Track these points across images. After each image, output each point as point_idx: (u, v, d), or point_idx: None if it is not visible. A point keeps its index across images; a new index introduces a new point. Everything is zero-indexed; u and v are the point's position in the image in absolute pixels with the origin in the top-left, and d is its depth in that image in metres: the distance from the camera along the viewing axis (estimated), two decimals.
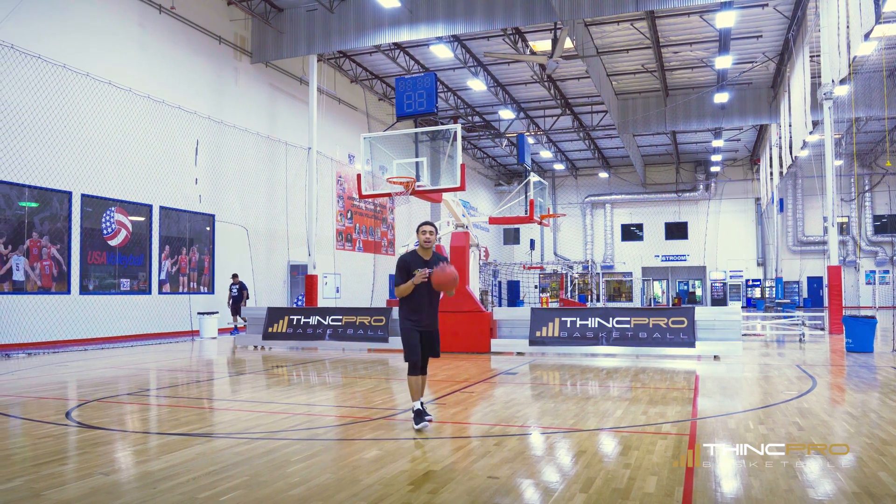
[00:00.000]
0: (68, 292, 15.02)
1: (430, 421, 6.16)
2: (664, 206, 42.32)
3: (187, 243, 18.65)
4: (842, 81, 17.83)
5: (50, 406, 7.42)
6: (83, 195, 15.42)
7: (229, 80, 20.42)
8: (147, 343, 16.04)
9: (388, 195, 14.98)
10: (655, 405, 7.13)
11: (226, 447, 5.32)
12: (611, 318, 12.26)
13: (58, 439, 5.72)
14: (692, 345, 11.59)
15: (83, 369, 10.89)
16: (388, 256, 29.07)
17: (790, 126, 22.71)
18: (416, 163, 12.90)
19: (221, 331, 18.73)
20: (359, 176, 13.72)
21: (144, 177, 17.05)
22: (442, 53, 22.29)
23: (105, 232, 16.06)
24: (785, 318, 20.41)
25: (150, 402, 8.08)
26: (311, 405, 7.51)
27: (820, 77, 17.82)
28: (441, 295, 6.28)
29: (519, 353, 12.66)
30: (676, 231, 42.51)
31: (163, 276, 17.77)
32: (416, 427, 5.97)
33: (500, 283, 40.28)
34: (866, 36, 13.11)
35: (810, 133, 21.46)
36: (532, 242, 43.35)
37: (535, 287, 36.51)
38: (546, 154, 37.18)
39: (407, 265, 6.05)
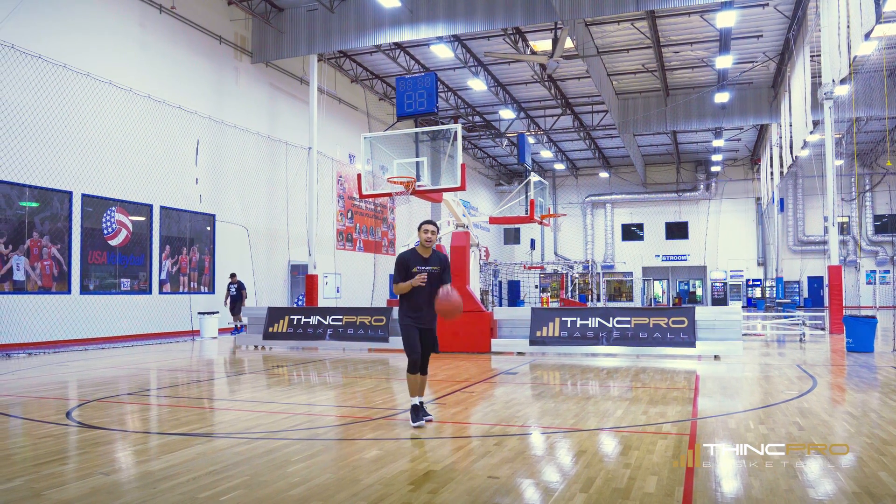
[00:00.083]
0: (69, 292, 15.02)
1: (429, 421, 6.18)
2: (665, 205, 42.30)
3: (188, 243, 18.65)
4: (842, 81, 17.83)
5: (50, 406, 7.43)
6: (84, 195, 15.43)
7: (230, 79, 20.42)
8: (147, 343, 16.05)
9: (389, 195, 14.98)
10: (656, 405, 7.13)
11: (226, 447, 5.33)
12: (611, 318, 12.26)
13: (58, 439, 5.73)
14: (692, 345, 11.59)
15: (84, 369, 10.89)
16: (389, 256, 29.07)
17: (791, 126, 22.70)
18: (417, 162, 12.91)
19: (222, 330, 18.73)
20: (359, 176, 13.72)
21: (145, 177, 17.05)
22: (442, 53, 22.29)
23: (105, 232, 16.06)
24: (785, 317, 20.41)
25: (150, 401, 8.08)
26: (312, 405, 7.51)
27: (820, 77, 17.82)
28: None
29: (519, 353, 12.66)
30: (677, 231, 42.50)
31: (163, 276, 17.77)
32: (412, 424, 6.01)
33: (500, 282, 40.27)
34: (867, 36, 13.10)
35: (811, 133, 21.45)
36: (532, 242, 43.34)
37: (536, 287, 36.47)
38: (546, 154, 37.18)
39: (406, 263, 6.07)
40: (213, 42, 19.64)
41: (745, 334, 15.20)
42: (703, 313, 11.96)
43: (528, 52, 22.84)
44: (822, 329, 18.14)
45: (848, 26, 14.04)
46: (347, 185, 26.26)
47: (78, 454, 5.25)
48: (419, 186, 12.76)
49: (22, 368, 10.94)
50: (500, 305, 36.92)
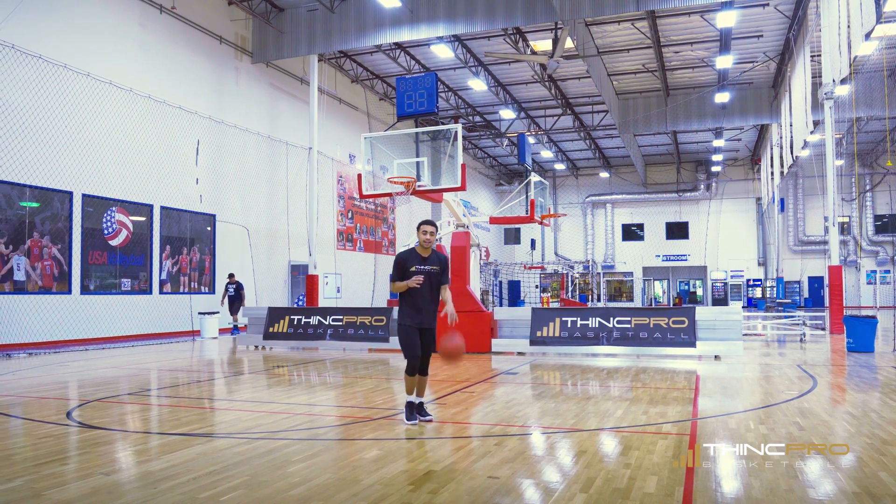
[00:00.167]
0: (69, 292, 15.03)
1: (430, 421, 6.18)
2: (665, 205, 42.30)
3: (188, 243, 18.66)
4: (843, 81, 17.82)
5: (51, 406, 7.43)
6: (84, 195, 15.43)
7: (230, 79, 20.43)
8: (148, 343, 16.05)
9: (389, 195, 14.98)
10: (656, 405, 7.13)
11: (226, 447, 5.33)
12: (611, 318, 12.26)
13: (59, 439, 5.73)
14: (693, 345, 11.58)
15: (84, 369, 10.89)
16: (389, 256, 29.07)
17: (791, 126, 22.70)
18: (417, 163, 12.90)
19: (222, 331, 18.73)
20: (359, 176, 13.71)
21: (145, 177, 17.06)
22: (443, 53, 22.29)
23: (106, 232, 16.07)
24: (786, 317, 20.40)
25: (150, 402, 8.08)
26: (312, 405, 7.52)
27: (821, 77, 17.82)
28: (439, 293, 6.27)
29: (520, 353, 12.66)
30: (677, 231, 42.50)
31: (163, 276, 17.78)
32: (406, 422, 6.03)
33: (500, 282, 40.27)
34: (867, 35, 13.10)
35: (811, 133, 21.45)
36: (533, 242, 43.33)
37: (536, 287, 36.46)
38: (547, 154, 37.18)
39: (404, 262, 6.08)
40: (213, 42, 19.65)
41: (745, 334, 15.20)
42: (703, 313, 11.96)
43: (529, 52, 22.85)
44: (823, 329, 18.13)
45: (848, 26, 14.04)
46: (348, 185, 26.26)
47: (78, 454, 5.25)
48: (419, 186, 12.76)
49: (22, 368, 10.95)
50: (501, 305, 36.90)
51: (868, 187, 38.39)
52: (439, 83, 24.70)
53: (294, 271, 23.08)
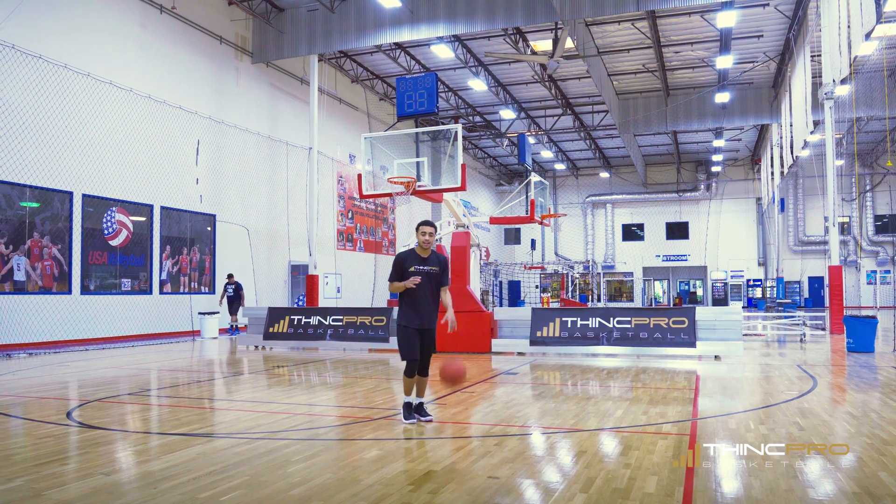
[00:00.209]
0: (69, 292, 15.03)
1: (430, 421, 6.18)
2: (665, 205, 42.31)
3: (188, 243, 18.66)
4: (843, 81, 17.83)
5: (51, 406, 7.43)
6: (84, 195, 15.43)
7: (230, 80, 20.43)
8: (148, 343, 16.06)
9: (389, 195, 14.98)
10: (656, 405, 7.13)
11: (226, 447, 5.33)
12: (611, 318, 12.26)
13: (59, 439, 5.73)
14: (693, 345, 11.58)
15: (84, 369, 10.90)
16: (389, 256, 29.06)
17: (791, 126, 22.70)
18: (417, 163, 12.90)
19: (222, 331, 18.73)
20: (360, 176, 13.71)
21: (145, 177, 17.07)
22: (443, 53, 22.30)
23: (106, 232, 16.07)
24: (786, 318, 20.40)
25: (150, 402, 8.09)
26: (312, 405, 7.52)
27: (821, 77, 17.82)
28: (438, 294, 6.27)
29: (520, 353, 12.66)
30: (677, 231, 42.50)
31: (164, 276, 17.78)
32: (404, 421, 6.04)
33: (500, 283, 40.27)
34: (867, 36, 13.10)
35: (811, 133, 21.45)
36: (533, 242, 43.33)
37: (536, 287, 36.47)
38: (547, 154, 37.18)
39: (402, 263, 6.08)
40: (213, 42, 19.65)
41: (745, 334, 15.19)
42: (703, 313, 11.96)
43: (529, 53, 22.84)
44: (823, 329, 18.13)
45: (848, 26, 14.04)
46: (348, 185, 26.26)
47: (78, 454, 5.25)
48: (419, 186, 12.76)
49: (23, 368, 10.95)
50: (501, 306, 36.90)
51: (868, 187, 38.39)
52: (439, 83, 24.70)
53: (294, 271, 23.08)
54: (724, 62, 22.94)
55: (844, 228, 37.90)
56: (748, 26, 21.68)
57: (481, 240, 21.97)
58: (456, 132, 12.62)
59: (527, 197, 18.14)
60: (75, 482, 4.39)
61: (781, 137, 26.31)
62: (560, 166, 41.20)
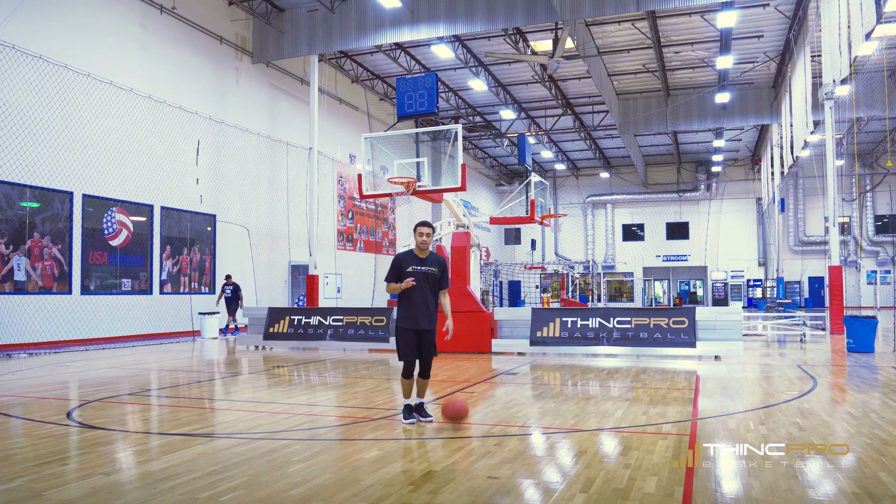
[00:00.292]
0: (69, 292, 15.04)
1: (430, 422, 6.18)
2: (665, 206, 42.31)
3: (188, 243, 18.67)
4: (843, 81, 17.82)
5: (51, 406, 7.43)
6: (84, 195, 15.44)
7: (230, 80, 20.44)
8: (148, 343, 16.06)
9: (389, 195, 14.98)
10: (656, 405, 7.13)
11: (226, 447, 5.33)
12: (612, 319, 12.26)
13: (59, 439, 5.73)
14: (693, 345, 11.58)
15: (84, 369, 10.90)
16: (390, 256, 29.07)
17: (791, 126, 22.70)
18: (417, 163, 12.90)
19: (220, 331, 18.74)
20: (360, 176, 13.72)
21: (145, 177, 17.07)
22: (443, 53, 22.30)
23: (106, 232, 16.08)
24: (786, 318, 20.40)
25: (151, 402, 8.09)
26: (312, 405, 7.52)
27: (821, 77, 17.82)
28: (437, 295, 6.27)
29: (520, 354, 12.66)
30: (678, 231, 42.50)
31: (164, 277, 17.79)
32: (403, 421, 6.06)
33: (501, 283, 40.28)
34: (867, 36, 13.11)
35: (811, 133, 21.45)
36: (533, 242, 43.34)
37: (536, 287, 36.48)
38: (547, 154, 37.18)
39: (399, 263, 6.09)
40: (213, 42, 19.66)
41: (745, 335, 15.20)
42: (703, 314, 11.95)
43: (529, 53, 22.85)
44: (823, 329, 18.13)
45: (848, 26, 14.04)
46: (348, 185, 26.27)
47: (78, 454, 5.26)
48: (420, 187, 12.76)
49: (23, 369, 10.95)
50: (501, 306, 36.91)
51: (868, 187, 38.39)
52: (439, 83, 24.72)
53: (294, 271, 23.08)
54: (725, 62, 22.94)
55: (845, 228, 37.90)
56: (748, 26, 21.68)
57: (481, 240, 21.98)
58: (456, 132, 12.62)
59: (527, 197, 18.15)
60: (75, 482, 4.39)
61: (781, 137, 26.32)
62: (560, 166, 41.20)
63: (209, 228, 19.42)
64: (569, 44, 20.81)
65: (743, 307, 31.65)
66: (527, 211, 18.14)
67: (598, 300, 35.00)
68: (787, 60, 23.05)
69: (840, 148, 29.78)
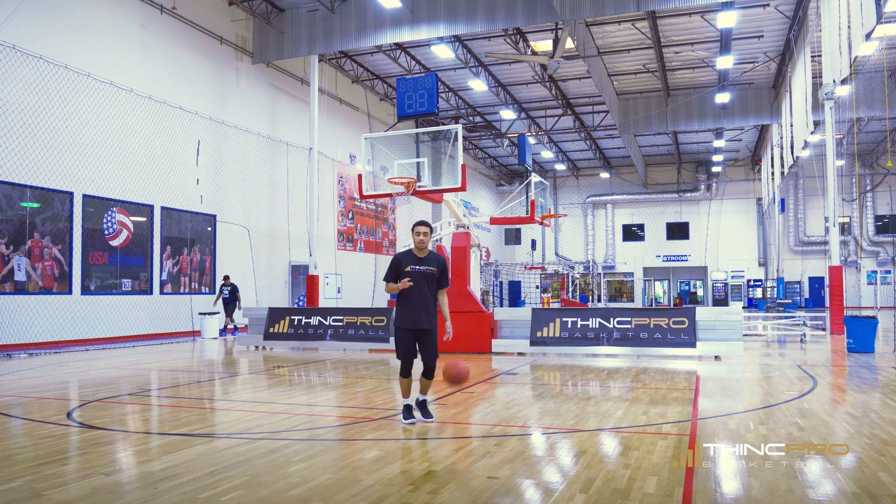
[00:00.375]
0: (70, 292, 15.04)
1: (431, 422, 6.18)
2: (665, 206, 42.31)
3: (188, 243, 18.67)
4: (843, 81, 17.82)
5: (51, 406, 7.44)
6: (84, 195, 15.45)
7: (230, 80, 20.44)
8: (148, 343, 16.06)
9: (390, 195, 14.98)
10: (656, 405, 7.13)
11: (227, 447, 5.33)
12: (612, 319, 12.26)
13: (59, 439, 5.74)
14: (693, 345, 11.58)
15: (84, 369, 10.90)
16: (390, 257, 28.97)
17: (791, 126, 22.70)
18: (418, 163, 12.90)
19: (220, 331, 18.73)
20: (360, 176, 13.72)
21: (146, 177, 17.08)
22: (443, 54, 22.30)
23: (106, 232, 16.08)
24: (786, 318, 20.40)
25: (151, 402, 8.09)
26: (312, 405, 7.52)
27: (821, 77, 17.81)
28: (436, 295, 6.27)
29: (520, 354, 12.66)
30: (678, 231, 42.50)
31: (164, 277, 17.79)
32: (403, 421, 6.07)
33: (501, 283, 40.27)
34: (867, 36, 13.11)
35: (811, 133, 21.45)
36: (533, 243, 43.34)
37: (537, 287, 36.47)
38: (547, 154, 37.19)
39: (398, 263, 6.09)
40: (214, 42, 19.66)
41: (745, 335, 15.19)
42: (703, 314, 11.95)
43: (529, 53, 22.85)
44: (823, 329, 18.13)
45: (849, 26, 14.04)
46: (348, 185, 26.27)
47: (79, 454, 5.26)
48: (420, 187, 12.76)
49: (23, 369, 10.96)
50: (501, 306, 36.91)
51: (868, 188, 38.39)
52: (440, 83, 24.75)
53: (294, 271, 23.09)
54: (725, 62, 22.94)
55: (845, 229, 37.89)
56: (748, 26, 21.68)
57: (481, 240, 21.98)
58: (456, 132, 12.63)
59: (527, 197, 18.15)
60: (76, 482, 4.39)
61: (782, 138, 26.31)
62: (560, 166, 41.20)
63: (209, 228, 19.42)
64: (569, 44, 20.81)
65: (743, 307, 31.65)
66: (527, 211, 18.14)
67: (599, 300, 35.00)
68: (787, 60, 23.05)
69: (840, 148, 29.78)
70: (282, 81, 22.81)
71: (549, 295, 36.56)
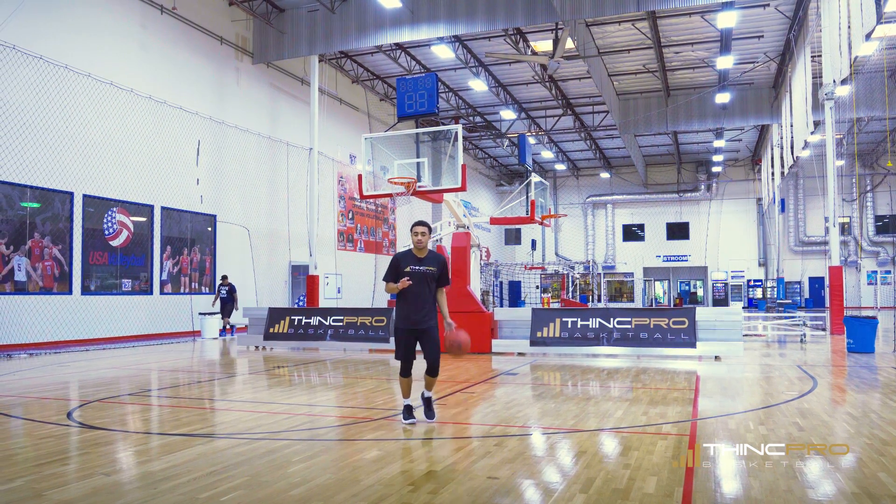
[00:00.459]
0: (70, 293, 15.05)
1: (431, 421, 6.19)
2: (665, 206, 42.31)
3: (189, 244, 18.67)
4: (843, 81, 17.82)
5: (51, 406, 7.44)
6: (85, 195, 15.45)
7: (231, 80, 20.45)
8: (148, 343, 16.07)
9: (390, 195, 14.99)
10: (656, 406, 7.13)
11: (227, 447, 5.34)
12: (612, 319, 12.26)
13: (59, 439, 5.74)
14: (693, 345, 11.58)
15: (85, 370, 10.91)
16: (390, 257, 28.97)
17: (791, 126, 22.69)
18: (418, 163, 12.91)
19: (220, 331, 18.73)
20: (360, 176, 13.73)
21: (146, 177, 17.08)
22: (443, 54, 22.30)
23: (107, 232, 16.09)
24: (786, 318, 20.40)
25: (151, 402, 8.09)
26: (313, 405, 7.52)
27: (821, 77, 17.82)
28: (436, 294, 6.26)
29: (520, 354, 12.66)
30: (678, 231, 42.50)
31: (164, 277, 17.79)
32: (403, 421, 6.07)
33: (501, 283, 40.27)
34: (867, 36, 13.11)
35: (812, 133, 21.45)
36: (533, 243, 43.33)
37: (537, 287, 36.48)
38: (547, 154, 37.19)
39: (398, 263, 6.10)
40: (214, 43, 19.66)
41: (745, 335, 15.20)
42: (703, 314, 11.96)
43: (529, 53, 22.85)
44: (823, 330, 18.14)
45: (849, 27, 14.04)
46: (348, 185, 26.28)
47: (79, 454, 5.26)
48: (420, 187, 12.77)
49: (23, 369, 10.96)
50: (501, 306, 36.91)
51: (869, 188, 38.39)
52: (440, 84, 24.76)
53: (294, 272, 23.09)
54: (725, 62, 22.94)
55: (845, 229, 37.89)
56: (748, 27, 21.69)
57: (482, 240, 21.98)
58: (456, 133, 12.63)
59: (527, 197, 18.16)
60: (76, 482, 4.39)
61: (782, 138, 26.31)
62: (560, 167, 41.20)
63: (209, 229, 19.42)
64: (569, 44, 20.81)
65: (743, 307, 31.64)
66: (527, 211, 18.15)
67: (599, 300, 35.00)
68: (787, 60, 23.05)
69: (840, 148, 29.78)
70: (282, 81, 22.82)
71: (549, 295, 36.56)
